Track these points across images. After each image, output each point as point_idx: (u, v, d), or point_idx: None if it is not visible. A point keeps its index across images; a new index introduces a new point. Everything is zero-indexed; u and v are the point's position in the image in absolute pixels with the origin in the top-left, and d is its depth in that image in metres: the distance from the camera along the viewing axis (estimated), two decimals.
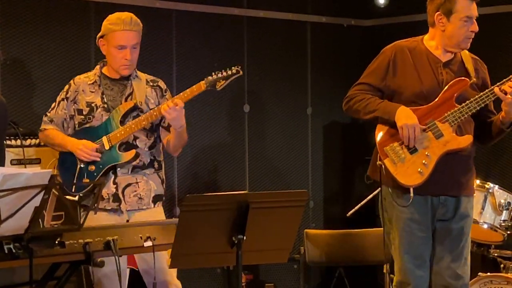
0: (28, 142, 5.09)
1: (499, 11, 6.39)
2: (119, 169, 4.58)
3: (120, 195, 4.57)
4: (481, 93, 4.30)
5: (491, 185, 5.42)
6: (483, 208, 5.36)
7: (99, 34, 4.64)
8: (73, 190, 4.47)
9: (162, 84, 4.76)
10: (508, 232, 5.41)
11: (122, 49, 4.56)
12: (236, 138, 6.49)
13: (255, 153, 6.59)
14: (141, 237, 3.88)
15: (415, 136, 4.27)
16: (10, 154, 4.98)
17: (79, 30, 5.75)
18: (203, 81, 4.60)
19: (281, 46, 6.73)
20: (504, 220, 5.39)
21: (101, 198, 4.53)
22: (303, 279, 6.41)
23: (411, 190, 4.27)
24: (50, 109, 4.72)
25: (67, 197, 4.37)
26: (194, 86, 4.61)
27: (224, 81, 4.62)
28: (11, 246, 3.44)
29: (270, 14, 6.65)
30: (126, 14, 4.63)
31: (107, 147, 4.56)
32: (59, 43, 5.66)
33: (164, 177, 4.76)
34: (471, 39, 4.36)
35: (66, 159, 4.62)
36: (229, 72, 4.62)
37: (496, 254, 5.64)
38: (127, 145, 4.60)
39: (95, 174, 4.56)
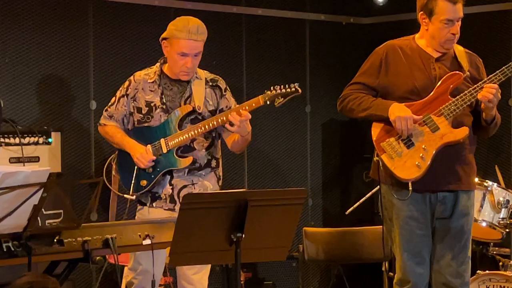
0: (26, 140, 5.08)
1: (497, 9, 6.40)
2: (175, 171, 4.60)
3: (176, 197, 4.59)
4: (475, 85, 4.30)
5: (490, 183, 5.42)
6: (481, 206, 5.36)
7: (163, 36, 4.61)
8: (131, 189, 4.55)
9: (221, 83, 4.73)
10: (507, 230, 5.41)
11: (184, 56, 4.55)
12: None
13: (254, 151, 6.59)
14: (139, 235, 3.88)
15: (408, 127, 4.27)
16: (8, 152, 4.97)
17: (77, 28, 5.74)
18: (262, 96, 4.57)
19: (279, 44, 6.73)
20: (502, 218, 5.39)
21: (159, 198, 4.60)
22: (302, 277, 6.41)
23: (410, 184, 4.28)
24: (109, 104, 4.73)
25: (125, 195, 4.53)
26: (252, 101, 4.57)
27: (282, 99, 4.60)
28: (10, 244, 3.44)
29: (268, 12, 6.65)
30: (193, 22, 4.58)
31: (164, 151, 4.57)
32: (57, 41, 5.66)
33: (221, 174, 4.75)
34: (453, 40, 4.36)
35: (125, 158, 4.64)
36: (288, 90, 4.58)
37: (494, 252, 5.64)
38: (184, 148, 4.61)
39: (152, 176, 4.58)
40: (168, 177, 4.60)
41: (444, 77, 4.35)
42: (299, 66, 6.85)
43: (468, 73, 4.36)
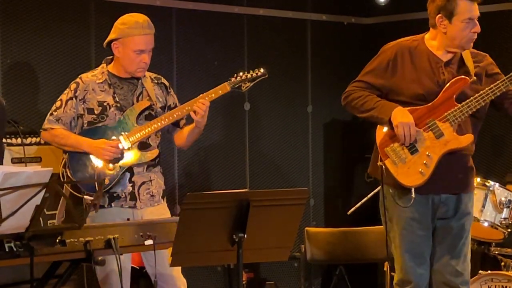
0: (28, 140, 5.08)
1: (500, 9, 6.40)
2: (135, 167, 4.60)
3: (136, 194, 4.60)
4: (481, 92, 4.28)
5: (492, 183, 5.42)
6: (483, 206, 5.36)
7: (113, 37, 4.61)
8: (97, 189, 4.45)
9: (164, 80, 4.79)
10: (509, 230, 5.41)
11: (141, 53, 4.57)
12: (236, 136, 6.49)
13: (256, 151, 6.59)
14: (141, 235, 3.88)
15: (410, 134, 4.26)
16: (10, 153, 4.98)
17: (79, 29, 5.75)
18: (227, 82, 4.63)
19: (281, 44, 6.73)
20: (504, 218, 5.39)
21: (117, 197, 4.58)
22: (304, 277, 6.40)
23: (412, 190, 4.27)
24: (55, 108, 4.65)
25: (86, 197, 4.39)
26: (218, 87, 4.62)
27: (250, 83, 4.64)
28: (12, 244, 3.44)
29: (270, 12, 6.65)
30: (143, 18, 4.63)
31: (126, 146, 4.57)
32: (59, 42, 5.66)
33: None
34: (473, 40, 4.34)
35: (80, 160, 4.57)
36: (254, 74, 4.65)
37: (496, 252, 5.64)
38: (141, 144, 4.62)
39: (114, 174, 4.56)
40: (128, 175, 4.60)
41: (450, 82, 4.33)
42: (301, 66, 6.85)
43: (474, 77, 4.33)
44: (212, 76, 6.21)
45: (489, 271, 5.36)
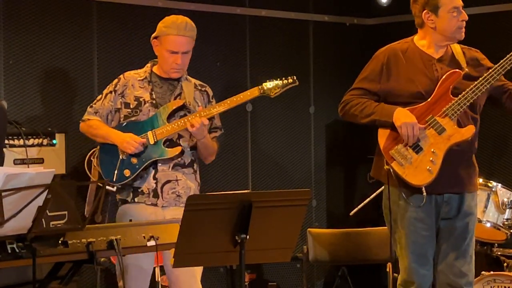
0: (30, 141, 5.09)
1: (501, 10, 6.40)
2: (160, 164, 4.60)
3: (159, 191, 4.59)
4: (476, 82, 4.30)
5: (494, 183, 5.41)
6: (486, 207, 5.36)
7: (153, 35, 4.67)
8: (114, 180, 4.55)
9: (209, 90, 4.81)
10: (511, 230, 5.41)
11: (174, 53, 4.59)
12: (239, 137, 6.49)
13: (258, 152, 6.59)
14: (144, 237, 3.88)
15: (414, 134, 4.27)
16: (13, 154, 4.98)
17: (81, 30, 5.75)
18: (258, 87, 4.64)
19: (283, 45, 6.73)
20: (507, 219, 5.39)
21: (141, 193, 4.60)
22: (306, 278, 6.40)
23: (423, 189, 4.27)
24: (95, 100, 4.75)
25: (108, 187, 4.50)
26: (248, 91, 4.65)
27: (279, 89, 4.66)
28: (14, 245, 3.44)
29: (272, 13, 6.65)
30: (182, 19, 4.66)
31: (151, 142, 4.59)
32: (61, 43, 5.66)
33: (199, 181, 4.76)
34: (463, 29, 4.38)
35: (108, 151, 4.64)
36: (285, 81, 4.67)
37: (499, 253, 5.64)
38: (170, 142, 4.63)
39: (137, 167, 4.58)
40: (152, 171, 4.60)
41: (443, 77, 4.35)
42: (303, 67, 6.85)
43: (466, 70, 4.36)
44: (215, 77, 6.21)
45: (491, 272, 5.36)
